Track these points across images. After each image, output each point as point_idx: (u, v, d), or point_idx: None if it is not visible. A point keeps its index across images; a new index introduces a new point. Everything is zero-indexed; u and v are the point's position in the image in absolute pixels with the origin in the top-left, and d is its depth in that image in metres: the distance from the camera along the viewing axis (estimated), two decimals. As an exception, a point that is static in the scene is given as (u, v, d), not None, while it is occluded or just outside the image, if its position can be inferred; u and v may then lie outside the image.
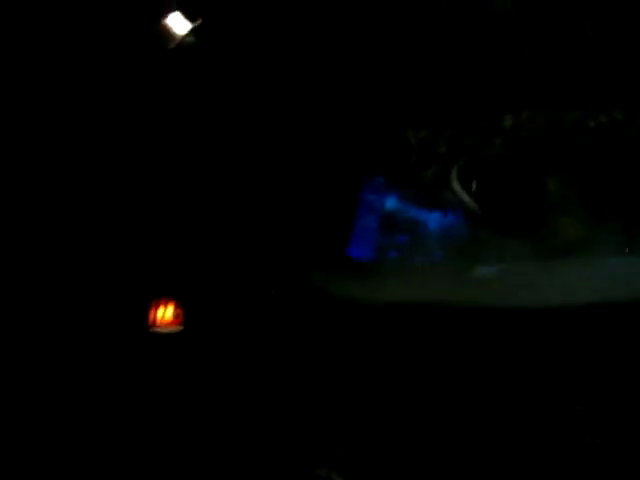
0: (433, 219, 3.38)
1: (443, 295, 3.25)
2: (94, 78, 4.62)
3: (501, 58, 3.92)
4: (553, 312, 3.30)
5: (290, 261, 3.85)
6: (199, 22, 4.71)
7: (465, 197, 3.12)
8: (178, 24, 4.69)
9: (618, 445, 3.66)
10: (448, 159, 3.33)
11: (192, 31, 4.71)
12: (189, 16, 4.68)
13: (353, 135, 3.98)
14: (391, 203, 3.56)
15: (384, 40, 4.11)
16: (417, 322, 3.87)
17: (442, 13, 4.01)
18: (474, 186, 3.18)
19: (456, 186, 3.18)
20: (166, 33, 4.69)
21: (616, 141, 3.27)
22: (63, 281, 4.40)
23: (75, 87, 4.61)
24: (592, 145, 3.25)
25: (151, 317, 4.52)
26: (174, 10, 4.66)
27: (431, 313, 3.53)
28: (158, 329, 4.53)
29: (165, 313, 4.52)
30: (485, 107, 3.60)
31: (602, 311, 3.24)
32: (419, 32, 4.10)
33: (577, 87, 3.71)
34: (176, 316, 4.53)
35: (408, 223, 3.47)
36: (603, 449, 3.66)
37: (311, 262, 3.39)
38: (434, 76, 4.05)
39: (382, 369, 4.10)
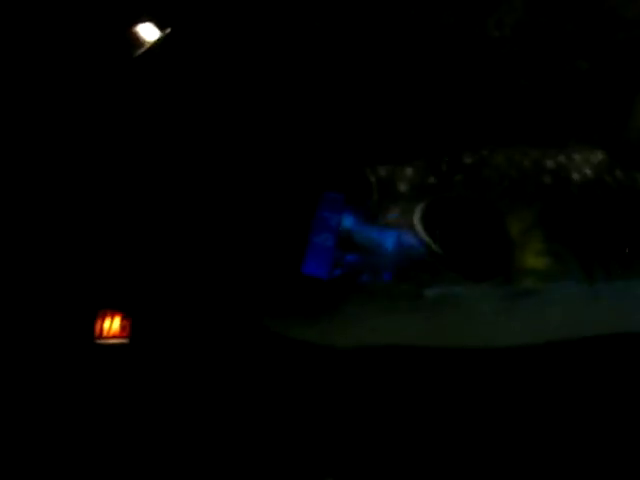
0: (390, 240, 3.26)
1: (405, 336, 3.15)
2: (63, 82, 4.62)
3: (461, 95, 3.98)
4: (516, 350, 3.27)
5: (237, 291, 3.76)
6: (168, 31, 4.70)
7: (427, 239, 3.01)
8: (147, 32, 4.70)
9: None
10: (410, 199, 3.22)
11: (161, 39, 4.70)
12: (159, 24, 4.67)
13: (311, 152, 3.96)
14: (348, 221, 3.43)
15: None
16: (380, 363, 3.84)
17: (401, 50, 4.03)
18: (436, 228, 3.08)
19: (418, 227, 3.06)
20: (135, 40, 4.70)
21: (574, 181, 3.30)
22: (9, 289, 4.37)
23: (45, 92, 4.61)
24: (552, 185, 3.25)
25: (97, 328, 4.46)
26: (144, 19, 4.67)
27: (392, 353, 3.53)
28: (104, 341, 4.46)
29: (112, 325, 4.45)
30: (446, 145, 3.56)
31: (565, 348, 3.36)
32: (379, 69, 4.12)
33: (535, 126, 3.77)
34: (123, 328, 4.46)
35: (365, 242, 3.34)
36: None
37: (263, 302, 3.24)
38: (395, 111, 4.08)
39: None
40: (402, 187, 3.41)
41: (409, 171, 3.40)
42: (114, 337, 4.23)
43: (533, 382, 4.32)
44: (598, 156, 3.30)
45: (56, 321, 4.25)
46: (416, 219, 3.17)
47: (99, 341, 4.25)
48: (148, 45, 4.20)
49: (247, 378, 4.35)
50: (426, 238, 3.05)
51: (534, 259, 3.04)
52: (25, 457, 4.27)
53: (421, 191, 3.35)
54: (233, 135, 4.29)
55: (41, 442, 4.28)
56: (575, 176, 3.18)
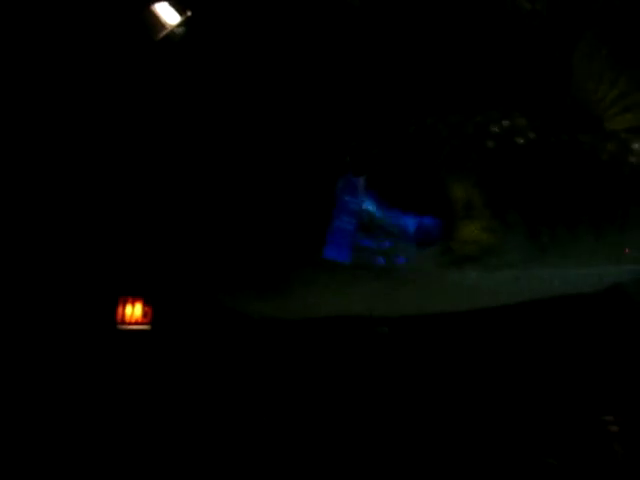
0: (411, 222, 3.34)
1: (358, 306, 3.20)
2: (78, 70, 4.60)
3: (406, 63, 4.00)
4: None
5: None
6: (188, 14, 4.65)
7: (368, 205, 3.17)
8: (167, 13, 4.62)
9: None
10: (355, 167, 3.32)
11: (182, 23, 4.65)
12: (178, 8, 4.62)
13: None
14: (369, 204, 3.49)
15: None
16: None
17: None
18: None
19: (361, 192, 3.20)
20: (155, 22, 4.63)
21: (520, 146, 3.37)
22: (30, 279, 4.40)
23: (58, 80, 4.60)
24: (496, 151, 3.32)
25: (119, 314, 4.47)
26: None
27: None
28: (126, 326, 4.48)
29: (134, 311, 4.47)
30: (389, 115, 3.58)
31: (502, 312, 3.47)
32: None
33: (479, 92, 3.84)
34: (144, 314, 4.47)
35: (385, 225, 3.40)
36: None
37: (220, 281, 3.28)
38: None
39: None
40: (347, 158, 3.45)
41: (353, 143, 3.44)
42: (136, 323, 4.24)
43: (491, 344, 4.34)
44: (542, 119, 3.34)
45: (78, 307, 4.27)
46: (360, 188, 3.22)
47: (121, 327, 4.25)
48: (169, 28, 4.15)
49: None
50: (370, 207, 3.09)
51: (477, 225, 3.09)
52: (45, 442, 4.31)
53: (366, 161, 3.40)
54: (254, 119, 4.25)
55: (62, 428, 4.31)
56: (519, 140, 3.19)
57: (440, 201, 3.07)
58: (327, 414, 4.39)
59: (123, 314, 4.34)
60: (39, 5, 4.52)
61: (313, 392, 4.38)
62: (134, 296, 4.36)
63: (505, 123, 3.33)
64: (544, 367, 4.32)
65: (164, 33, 4.28)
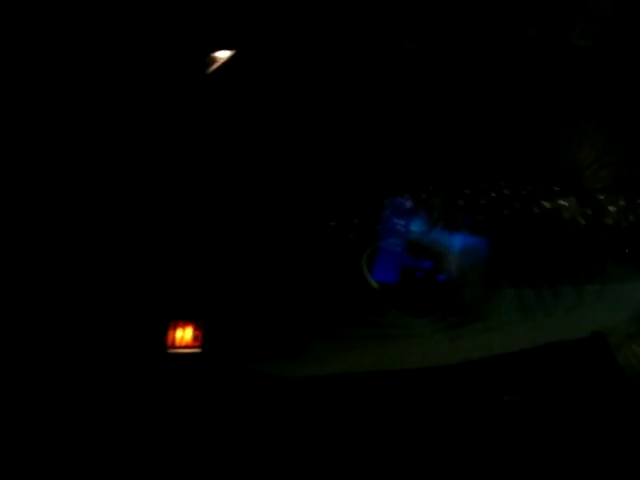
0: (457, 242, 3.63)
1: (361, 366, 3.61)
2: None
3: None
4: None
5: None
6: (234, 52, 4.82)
7: (371, 280, 3.41)
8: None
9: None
10: (357, 245, 3.54)
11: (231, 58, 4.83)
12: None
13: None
14: (416, 226, 3.81)
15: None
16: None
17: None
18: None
19: (364, 269, 3.42)
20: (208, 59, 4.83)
21: (505, 216, 3.58)
22: (80, 300, 4.46)
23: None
24: (484, 221, 3.54)
25: (169, 338, 4.50)
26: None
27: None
28: (176, 350, 4.51)
29: (184, 334, 4.50)
30: (385, 192, 3.93)
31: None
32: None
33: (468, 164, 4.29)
34: (195, 338, 4.50)
35: (433, 247, 3.70)
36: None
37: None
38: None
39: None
40: (350, 236, 3.74)
41: (356, 221, 3.67)
42: (186, 347, 4.27)
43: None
44: (527, 188, 3.67)
45: (129, 331, 4.32)
46: (363, 262, 3.46)
47: (171, 351, 4.29)
48: (220, 62, 4.32)
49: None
50: (370, 279, 3.36)
51: (470, 293, 3.38)
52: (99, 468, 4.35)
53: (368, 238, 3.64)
54: (299, 139, 4.42)
55: (113, 450, 4.35)
56: (505, 211, 3.52)
57: (433, 272, 3.44)
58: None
59: (174, 338, 4.38)
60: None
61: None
62: (185, 320, 4.40)
63: (492, 194, 3.59)
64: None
65: (215, 67, 4.53)
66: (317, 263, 3.59)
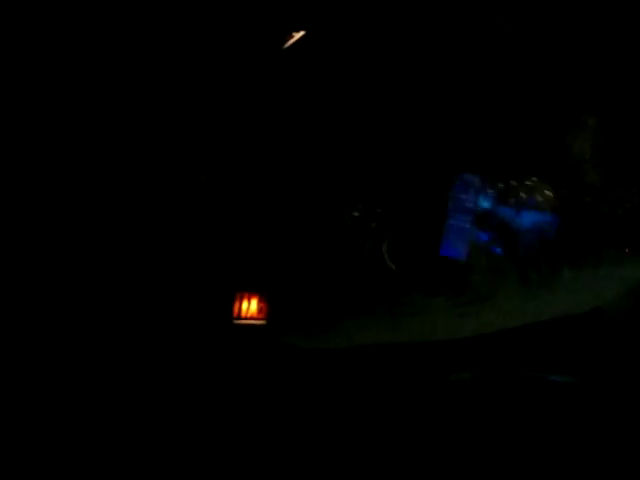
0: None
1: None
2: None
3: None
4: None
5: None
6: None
7: (393, 266, 3.93)
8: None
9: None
10: (379, 234, 4.08)
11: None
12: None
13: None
14: (484, 202, 4.27)
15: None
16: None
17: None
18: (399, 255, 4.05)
19: (386, 256, 4.01)
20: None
21: (511, 205, 4.23)
22: (152, 275, 4.47)
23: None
24: (492, 211, 4.20)
25: (236, 309, 4.68)
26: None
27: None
28: (242, 321, 4.67)
29: (249, 306, 4.71)
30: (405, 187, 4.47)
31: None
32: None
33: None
34: (260, 310, 4.73)
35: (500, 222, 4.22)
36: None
37: None
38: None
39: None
40: (373, 225, 4.57)
41: (379, 211, 4.46)
42: (252, 318, 4.57)
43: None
44: (532, 181, 4.16)
45: (199, 302, 4.51)
46: (384, 250, 4.10)
47: (237, 321, 4.55)
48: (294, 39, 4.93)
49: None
50: (392, 265, 3.94)
51: (478, 276, 3.90)
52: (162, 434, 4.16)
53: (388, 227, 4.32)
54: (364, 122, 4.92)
55: (178, 416, 4.23)
56: (511, 201, 4.03)
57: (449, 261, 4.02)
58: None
59: (240, 309, 4.62)
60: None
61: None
62: (250, 292, 4.68)
63: (500, 186, 4.28)
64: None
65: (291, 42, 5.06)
66: (345, 249, 4.09)
